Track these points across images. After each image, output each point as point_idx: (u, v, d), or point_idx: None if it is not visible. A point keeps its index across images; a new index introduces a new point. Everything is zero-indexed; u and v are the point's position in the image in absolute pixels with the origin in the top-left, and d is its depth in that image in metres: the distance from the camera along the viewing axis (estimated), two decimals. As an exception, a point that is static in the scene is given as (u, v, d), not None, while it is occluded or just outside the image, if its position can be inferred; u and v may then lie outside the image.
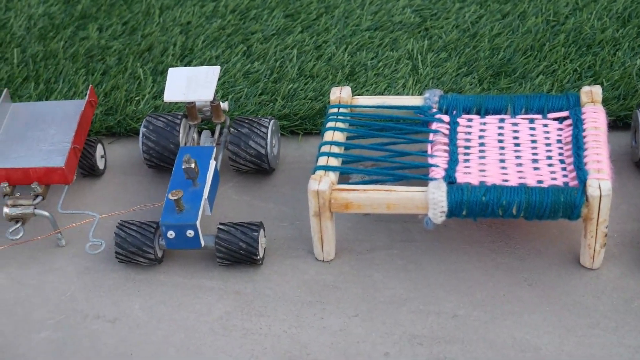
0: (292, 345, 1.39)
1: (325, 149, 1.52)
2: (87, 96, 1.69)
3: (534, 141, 1.52)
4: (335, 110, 1.59)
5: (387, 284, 1.48)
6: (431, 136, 1.54)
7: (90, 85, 1.72)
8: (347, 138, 1.58)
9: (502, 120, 1.56)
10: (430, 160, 1.49)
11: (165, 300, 1.49)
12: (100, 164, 1.74)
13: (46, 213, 1.56)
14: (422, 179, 1.45)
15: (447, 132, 1.54)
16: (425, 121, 1.57)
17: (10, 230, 1.56)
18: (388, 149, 1.56)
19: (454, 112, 1.58)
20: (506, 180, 1.43)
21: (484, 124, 1.56)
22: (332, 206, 1.44)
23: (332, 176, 1.46)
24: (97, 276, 1.54)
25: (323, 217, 1.45)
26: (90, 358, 1.41)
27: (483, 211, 1.39)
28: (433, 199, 1.39)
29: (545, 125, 1.55)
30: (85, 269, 1.56)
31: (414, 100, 1.61)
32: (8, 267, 1.58)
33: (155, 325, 1.45)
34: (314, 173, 1.46)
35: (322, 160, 1.49)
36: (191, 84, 1.63)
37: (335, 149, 1.52)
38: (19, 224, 1.57)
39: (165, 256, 1.55)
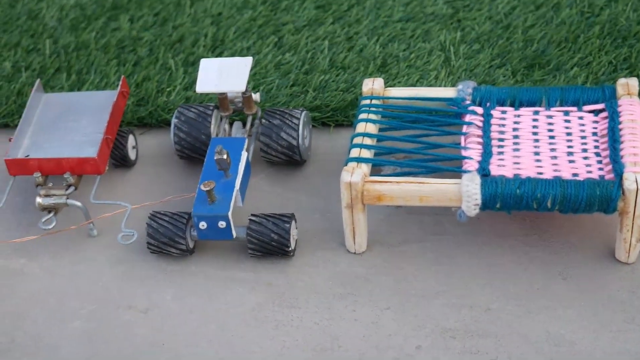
0: (323, 337, 1.39)
1: (357, 140, 1.51)
2: (119, 87, 1.69)
3: (569, 134, 1.50)
4: (367, 101, 1.58)
5: (419, 276, 1.47)
6: (464, 128, 1.53)
7: (123, 76, 1.73)
8: (380, 130, 1.57)
9: (536, 113, 1.55)
10: (464, 153, 1.48)
11: (197, 291, 1.49)
12: (132, 154, 1.74)
13: (78, 203, 1.57)
14: (456, 171, 1.44)
15: (480, 124, 1.53)
16: (458, 113, 1.56)
17: (43, 220, 1.57)
18: (421, 140, 1.55)
19: (488, 104, 1.56)
20: (541, 173, 1.42)
21: (518, 116, 1.55)
22: (365, 198, 1.43)
23: (365, 168, 1.45)
24: (129, 266, 1.55)
25: (355, 209, 1.44)
26: (123, 348, 1.41)
27: (517, 204, 1.37)
28: (467, 191, 1.37)
29: (581, 118, 1.53)
30: (117, 260, 1.56)
31: (447, 92, 1.60)
32: (41, 257, 1.58)
33: (187, 316, 1.45)
34: (346, 165, 1.45)
35: (355, 152, 1.48)
36: (223, 74, 1.63)
37: (368, 141, 1.51)
38: (51, 214, 1.57)
39: (196, 247, 1.56)
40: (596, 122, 1.52)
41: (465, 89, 1.58)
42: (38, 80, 1.75)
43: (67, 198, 1.56)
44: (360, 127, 1.53)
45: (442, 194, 1.40)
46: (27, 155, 1.62)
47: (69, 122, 1.69)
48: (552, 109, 1.55)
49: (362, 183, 1.42)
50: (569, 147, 1.47)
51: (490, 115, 1.54)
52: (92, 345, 1.42)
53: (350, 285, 1.46)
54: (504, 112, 1.56)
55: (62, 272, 1.55)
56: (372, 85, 1.61)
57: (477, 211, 1.39)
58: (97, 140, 1.61)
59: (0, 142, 1.82)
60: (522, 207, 1.38)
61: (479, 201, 1.38)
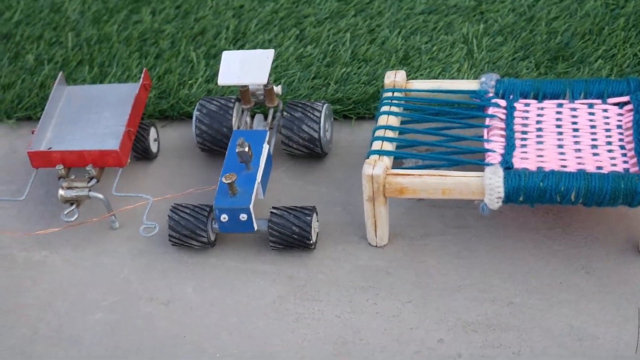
0: (344, 330, 1.39)
1: (379, 133, 1.50)
2: (141, 79, 1.69)
3: (593, 126, 1.49)
4: (389, 94, 1.58)
5: (441, 270, 1.46)
6: (487, 121, 1.52)
7: (144, 69, 1.73)
8: (402, 122, 1.56)
9: (560, 105, 1.53)
10: (487, 145, 1.46)
11: (218, 283, 1.49)
12: (154, 147, 1.74)
13: (100, 195, 1.57)
14: (478, 164, 1.43)
15: (503, 116, 1.52)
16: (481, 106, 1.55)
17: (66, 212, 1.57)
18: (443, 133, 1.54)
19: (511, 96, 1.55)
20: (564, 166, 1.40)
21: (542, 108, 1.53)
22: (387, 191, 1.42)
23: (387, 161, 1.44)
24: (151, 259, 1.55)
25: (377, 202, 1.44)
26: (144, 339, 1.42)
27: (541, 197, 1.36)
28: (490, 184, 1.36)
29: (605, 111, 1.51)
30: (138, 252, 1.57)
31: (470, 85, 1.59)
32: (63, 249, 1.59)
33: (208, 308, 1.45)
34: (367, 157, 1.44)
35: (377, 145, 1.47)
36: (245, 67, 1.63)
37: (390, 134, 1.50)
38: (73, 206, 1.58)
39: (218, 240, 1.55)
40: (621, 114, 1.50)
41: (488, 81, 1.57)
42: (61, 73, 1.75)
43: (89, 190, 1.57)
44: (382, 120, 1.53)
45: (464, 187, 1.39)
46: (50, 148, 1.63)
47: (91, 115, 1.70)
48: (576, 101, 1.53)
49: (384, 176, 1.41)
50: (593, 139, 1.46)
51: (514, 108, 1.53)
52: (114, 337, 1.43)
53: (371, 278, 1.46)
54: (527, 104, 1.54)
55: (84, 264, 1.56)
56: (395, 77, 1.60)
57: (500, 204, 1.38)
58: (119, 133, 1.61)
59: (23, 134, 1.83)
60: (546, 200, 1.36)
61: (502, 194, 1.36)
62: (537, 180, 1.36)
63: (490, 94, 1.55)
